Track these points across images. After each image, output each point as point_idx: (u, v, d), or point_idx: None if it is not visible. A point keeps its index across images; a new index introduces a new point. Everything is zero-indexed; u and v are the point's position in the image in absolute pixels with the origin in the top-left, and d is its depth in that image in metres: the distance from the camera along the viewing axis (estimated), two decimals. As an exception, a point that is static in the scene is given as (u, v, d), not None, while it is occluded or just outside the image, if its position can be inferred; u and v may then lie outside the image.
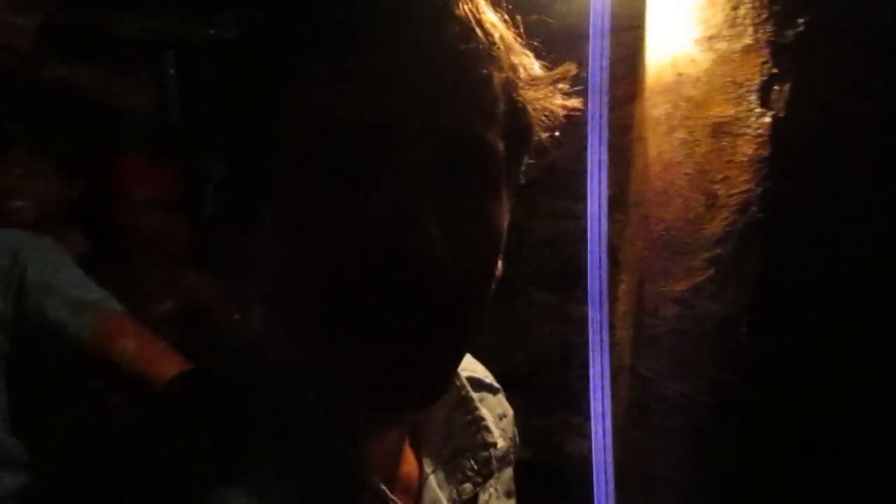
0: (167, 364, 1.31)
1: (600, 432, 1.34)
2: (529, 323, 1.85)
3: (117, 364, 1.31)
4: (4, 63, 1.65)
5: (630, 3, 1.30)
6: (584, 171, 1.36)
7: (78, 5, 1.84)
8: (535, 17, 0.58)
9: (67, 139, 1.74)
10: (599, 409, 1.35)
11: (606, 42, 1.27)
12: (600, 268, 1.38)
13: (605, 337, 1.38)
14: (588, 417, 1.36)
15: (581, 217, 1.41)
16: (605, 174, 1.36)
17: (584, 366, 1.40)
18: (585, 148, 1.32)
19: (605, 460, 1.33)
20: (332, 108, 0.48)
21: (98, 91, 1.86)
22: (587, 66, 1.26)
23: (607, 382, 1.35)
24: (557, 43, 0.60)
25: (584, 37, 1.28)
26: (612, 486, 1.32)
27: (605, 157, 1.37)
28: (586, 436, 1.40)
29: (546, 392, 1.78)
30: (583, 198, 1.36)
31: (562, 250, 1.78)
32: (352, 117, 0.48)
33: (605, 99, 1.30)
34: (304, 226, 0.50)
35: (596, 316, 1.38)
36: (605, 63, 1.29)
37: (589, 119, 1.31)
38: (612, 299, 1.63)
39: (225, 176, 0.58)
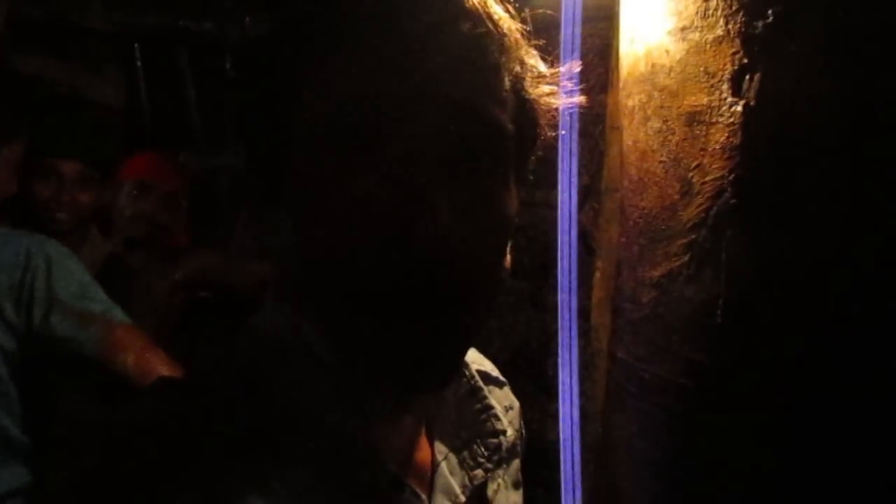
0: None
1: (569, 416, 1.37)
2: (505, 310, 1.88)
3: (118, 374, 1.36)
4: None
5: (602, -6, 1.32)
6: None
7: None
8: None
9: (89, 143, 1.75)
10: (569, 394, 1.38)
11: (578, 31, 1.29)
12: (571, 254, 1.40)
13: (574, 322, 1.40)
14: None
15: (557, 206, 1.43)
16: (576, 163, 1.39)
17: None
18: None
19: (572, 443, 1.36)
20: (347, 88, 0.50)
21: (69, 84, 1.84)
22: (559, 55, 1.28)
23: (576, 367, 1.38)
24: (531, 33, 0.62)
25: (555, 26, 1.30)
26: (578, 468, 1.35)
27: (576, 145, 1.39)
28: (563, 421, 1.42)
29: (524, 379, 1.80)
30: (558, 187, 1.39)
31: (537, 239, 1.80)
32: (364, 95, 0.50)
33: (577, 88, 1.32)
34: (319, 206, 0.52)
35: (566, 301, 1.40)
36: (577, 53, 1.31)
37: (560, 108, 1.33)
38: (588, 286, 1.65)
39: (243, 166, 0.59)
